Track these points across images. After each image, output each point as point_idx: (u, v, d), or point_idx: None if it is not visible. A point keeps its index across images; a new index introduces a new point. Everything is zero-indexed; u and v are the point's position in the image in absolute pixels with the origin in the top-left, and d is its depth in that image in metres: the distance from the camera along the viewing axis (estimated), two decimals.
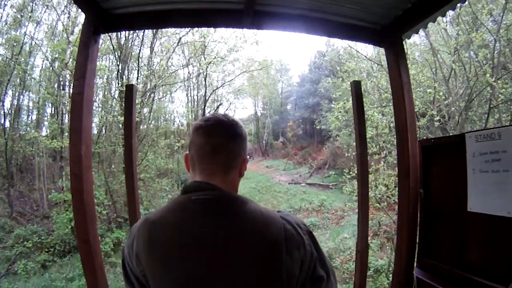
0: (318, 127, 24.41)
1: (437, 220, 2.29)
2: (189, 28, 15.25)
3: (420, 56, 11.09)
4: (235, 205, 1.02)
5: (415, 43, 11.30)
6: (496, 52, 7.64)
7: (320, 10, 2.23)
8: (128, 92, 2.55)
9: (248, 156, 1.16)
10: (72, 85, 2.22)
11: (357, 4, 2.14)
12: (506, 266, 1.79)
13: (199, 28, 16.20)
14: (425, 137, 7.02)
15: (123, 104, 13.51)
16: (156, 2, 2.24)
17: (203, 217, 0.99)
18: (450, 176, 2.20)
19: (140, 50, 15.53)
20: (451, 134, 7.42)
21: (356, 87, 2.51)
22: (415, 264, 2.40)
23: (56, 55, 15.46)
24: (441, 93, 8.54)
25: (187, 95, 27.11)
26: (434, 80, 9.00)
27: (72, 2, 2.15)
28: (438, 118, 8.28)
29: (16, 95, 17.52)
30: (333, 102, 15.39)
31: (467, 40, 8.22)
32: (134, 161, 2.52)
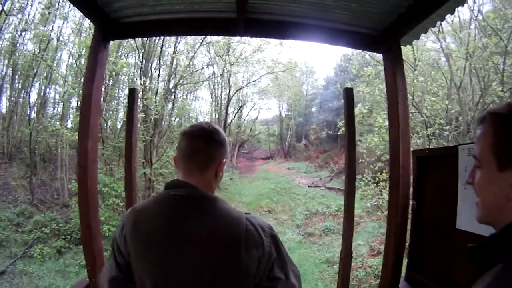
0: (341, 131, 24.11)
1: (428, 234, 2.21)
2: None
3: (433, 64, 10.78)
4: (205, 203, 1.17)
5: (431, 48, 10.99)
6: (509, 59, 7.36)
7: (313, 17, 2.24)
8: (131, 95, 2.81)
9: (225, 160, 1.30)
10: (82, 87, 2.44)
11: (351, 10, 2.12)
12: None
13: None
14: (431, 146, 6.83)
15: (142, 102, 13.89)
16: (158, 12, 2.41)
17: (176, 211, 1.15)
18: (443, 189, 2.10)
19: (162, 49, 15.70)
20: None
21: (348, 93, 2.51)
22: (403, 277, 2.33)
23: (83, 51, 15.93)
24: (454, 101, 8.27)
25: (211, 94, 27.35)
26: (448, 87, 8.75)
27: (82, 13, 2.41)
28: (448, 127, 8.01)
29: (43, 88, 18.13)
30: (356, 105, 15.15)
31: (482, 46, 7.91)
32: (134, 158, 2.79)
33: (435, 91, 8.83)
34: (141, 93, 14.98)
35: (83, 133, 2.21)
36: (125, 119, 15.92)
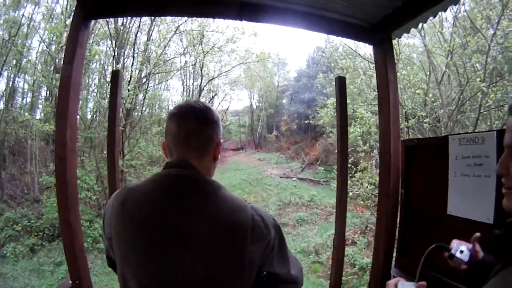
0: (312, 123, 24.40)
1: (416, 221, 2.29)
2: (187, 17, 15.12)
3: (417, 58, 11.10)
4: (208, 187, 1.06)
5: (410, 44, 11.31)
6: (490, 58, 7.66)
7: (308, 4, 2.21)
8: (114, 78, 2.59)
9: (222, 141, 1.21)
10: (61, 70, 2.23)
11: (347, 1, 2.11)
12: None
13: (197, 18, 16.09)
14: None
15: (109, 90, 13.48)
16: None
17: (174, 191, 1.02)
18: (432, 178, 2.18)
19: (136, 37, 15.36)
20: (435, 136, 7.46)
21: (340, 82, 2.51)
22: (393, 264, 2.40)
23: (54, 38, 15.25)
24: (430, 95, 8.57)
25: (182, 83, 26.95)
26: (427, 82, 9.03)
27: None
28: (428, 120, 8.30)
29: (12, 77, 17.33)
30: (327, 98, 15.36)
31: (463, 44, 8.24)
32: (116, 146, 2.60)
33: (416, 85, 9.10)
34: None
35: (61, 121, 2.02)
36: (95, 109, 15.58)
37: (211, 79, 24.79)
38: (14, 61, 16.44)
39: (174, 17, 15.74)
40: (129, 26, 15.45)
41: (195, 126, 1.11)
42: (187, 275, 0.98)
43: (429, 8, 2.01)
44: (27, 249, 11.40)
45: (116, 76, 2.57)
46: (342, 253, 2.55)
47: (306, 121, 27.64)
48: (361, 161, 9.71)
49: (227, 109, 35.69)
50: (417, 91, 8.65)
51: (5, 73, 16.70)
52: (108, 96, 13.94)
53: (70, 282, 2.06)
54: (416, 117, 8.46)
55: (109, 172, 2.54)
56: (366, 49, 13.56)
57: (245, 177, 22.41)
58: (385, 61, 2.31)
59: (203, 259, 0.98)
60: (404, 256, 2.34)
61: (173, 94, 27.44)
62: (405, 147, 2.36)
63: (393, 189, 2.30)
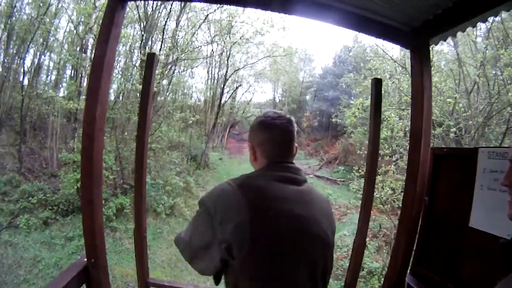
0: (334, 121, 24.21)
1: (436, 230, 2.27)
2: (218, 6, 15.15)
3: (446, 66, 10.84)
4: (312, 189, 1.37)
5: (442, 51, 11.05)
6: None
7: (350, 3, 2.18)
8: (149, 61, 2.55)
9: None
10: (95, 48, 2.20)
11: (388, 2, 2.09)
12: None
13: (227, 7, 16.10)
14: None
15: (143, 73, 13.67)
16: None
17: (301, 195, 1.27)
18: (457, 188, 2.16)
19: (166, 23, 15.48)
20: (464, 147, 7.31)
21: (377, 84, 2.48)
22: (408, 271, 2.40)
23: (81, 19, 15.53)
24: (460, 105, 8.39)
25: (208, 72, 27.10)
26: (456, 91, 8.84)
27: None
28: (454, 129, 8.14)
29: (38, 54, 17.72)
30: (353, 98, 15.21)
31: (495, 56, 8.02)
32: (147, 129, 2.55)
33: (445, 93, 8.92)
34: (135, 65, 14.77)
35: (91, 98, 2.00)
36: (119, 91, 15.85)
37: (237, 70, 24.84)
38: (41, 39, 16.76)
39: (203, 6, 15.80)
40: (159, 12, 15.61)
41: (291, 134, 1.36)
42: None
43: (469, 19, 1.98)
44: (40, 221, 11.62)
45: (151, 58, 2.54)
46: (361, 255, 2.54)
47: (329, 119, 27.44)
48: (382, 165, 9.59)
49: (250, 100, 35.79)
50: (448, 100, 8.47)
51: (31, 51, 17.11)
52: (133, 79, 14.21)
53: (85, 260, 2.06)
54: (443, 126, 8.30)
55: (137, 152, 2.52)
56: (394, 52, 13.34)
57: None
58: (421, 67, 2.28)
59: (321, 232, 1.28)
60: (420, 264, 2.33)
61: (197, 82, 27.63)
62: (433, 155, 2.34)
63: (418, 196, 2.28)
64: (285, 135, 1.35)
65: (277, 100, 39.90)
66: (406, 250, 2.33)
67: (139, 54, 14.48)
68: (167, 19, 15.63)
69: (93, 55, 2.22)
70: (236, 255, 1.10)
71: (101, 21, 2.25)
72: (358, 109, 10.91)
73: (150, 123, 2.48)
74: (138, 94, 14.21)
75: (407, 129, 9.07)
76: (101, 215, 2.15)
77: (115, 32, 2.09)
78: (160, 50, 15.10)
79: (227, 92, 26.63)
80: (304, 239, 1.19)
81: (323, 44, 71.24)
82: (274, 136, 1.34)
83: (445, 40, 2.46)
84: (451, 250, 2.12)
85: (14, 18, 16.01)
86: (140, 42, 15.03)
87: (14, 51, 16.98)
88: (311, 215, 1.24)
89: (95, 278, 2.08)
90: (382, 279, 8.28)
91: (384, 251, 11.02)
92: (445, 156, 2.32)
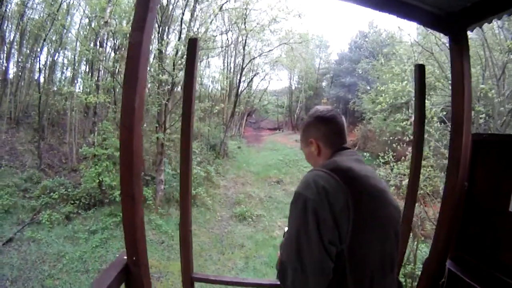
0: (352, 108, 24.00)
1: (477, 216, 2.28)
2: None
3: (473, 51, 10.57)
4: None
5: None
6: None
7: None
8: (191, 46, 2.44)
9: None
10: (128, 36, 2.03)
11: None
12: None
13: None
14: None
15: (159, 65, 13.76)
16: None
17: (371, 173, 1.40)
18: (497, 174, 2.17)
19: (183, 13, 15.48)
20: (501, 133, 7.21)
21: (420, 70, 2.48)
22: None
23: (95, 15, 15.68)
24: (493, 91, 8.23)
25: (223, 61, 27.10)
26: (483, 76, 8.66)
27: None
28: (484, 115, 8.03)
29: (52, 51, 18.06)
30: (371, 84, 14.99)
31: None
32: (192, 114, 2.46)
33: (474, 79, 8.78)
34: (154, 56, 14.82)
35: (129, 89, 1.87)
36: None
37: (253, 59, 24.74)
38: (55, 37, 17.06)
39: None
40: (174, 3, 15.63)
41: (343, 124, 1.55)
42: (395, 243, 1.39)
43: (508, 8, 1.98)
44: (62, 216, 11.77)
45: (193, 44, 2.43)
46: (406, 242, 2.58)
47: (346, 106, 27.15)
48: (408, 151, 9.49)
49: (266, 88, 35.66)
50: (481, 86, 8.32)
51: (45, 49, 17.45)
52: (151, 70, 14.27)
53: (125, 257, 1.95)
54: (473, 111, 8.17)
55: (182, 145, 2.45)
56: (411, 36, 13.01)
57: (282, 157, 22.50)
58: (461, 54, 2.26)
59: (398, 214, 1.44)
60: (460, 249, 2.35)
61: (213, 72, 27.66)
62: (473, 141, 2.35)
63: (460, 182, 2.28)
64: (341, 124, 1.54)
65: (293, 88, 39.63)
66: (447, 235, 2.35)
67: (157, 44, 14.53)
68: (184, 9, 15.61)
69: (127, 44, 2.06)
70: (344, 235, 1.19)
71: (133, 9, 2.05)
72: (386, 95, 10.69)
73: (193, 115, 2.42)
74: (156, 85, 14.37)
75: (438, 114, 8.94)
76: (142, 210, 2.05)
77: (151, 17, 1.95)
78: (179, 38, 15.11)
79: (243, 81, 26.62)
80: (391, 210, 1.34)
81: (338, 30, 70.14)
82: (334, 126, 1.52)
83: (480, 27, 2.44)
84: (491, 235, 2.14)
85: (26, 18, 16.33)
86: (156, 34, 15.07)
87: (28, 51, 17.34)
88: (387, 189, 1.38)
89: (136, 277, 1.98)
90: (407, 265, 8.29)
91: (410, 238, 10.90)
92: (485, 142, 2.33)
